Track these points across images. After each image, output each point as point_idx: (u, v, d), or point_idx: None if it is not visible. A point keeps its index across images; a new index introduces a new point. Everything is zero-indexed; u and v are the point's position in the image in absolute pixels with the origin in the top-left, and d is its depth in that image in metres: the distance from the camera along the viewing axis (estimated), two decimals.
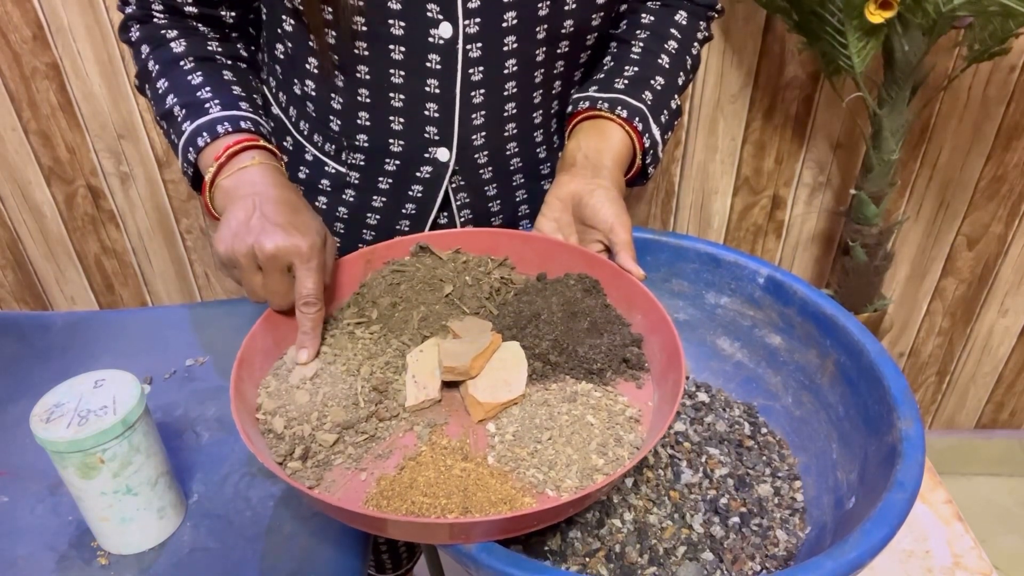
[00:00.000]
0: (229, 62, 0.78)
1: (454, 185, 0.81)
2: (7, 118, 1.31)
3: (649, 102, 0.78)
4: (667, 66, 0.81)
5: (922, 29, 1.05)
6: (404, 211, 0.82)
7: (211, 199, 0.71)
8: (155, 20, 0.76)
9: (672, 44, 0.82)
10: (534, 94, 0.79)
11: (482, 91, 0.75)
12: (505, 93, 0.76)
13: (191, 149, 0.72)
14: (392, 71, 0.73)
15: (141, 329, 0.83)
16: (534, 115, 0.81)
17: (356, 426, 0.60)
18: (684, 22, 0.83)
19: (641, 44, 0.81)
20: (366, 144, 0.79)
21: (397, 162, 0.79)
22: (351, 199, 0.83)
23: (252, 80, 0.81)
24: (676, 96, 0.81)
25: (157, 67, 0.75)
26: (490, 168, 0.81)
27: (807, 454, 0.69)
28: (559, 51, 0.76)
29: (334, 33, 0.71)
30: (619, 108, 0.76)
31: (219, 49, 0.78)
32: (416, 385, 0.62)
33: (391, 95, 0.75)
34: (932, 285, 1.59)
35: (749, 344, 0.75)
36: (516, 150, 0.82)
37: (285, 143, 0.85)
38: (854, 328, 0.65)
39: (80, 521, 0.63)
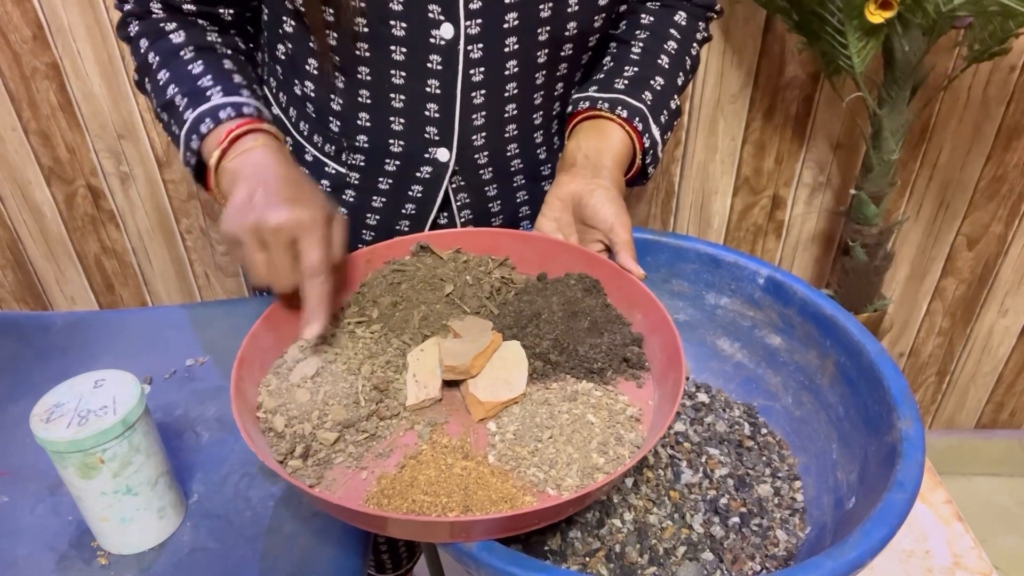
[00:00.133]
0: (229, 52, 0.78)
1: (454, 185, 0.81)
2: (7, 118, 1.31)
3: (649, 102, 0.78)
4: (667, 66, 0.81)
5: (922, 29, 1.05)
6: (404, 211, 0.82)
7: (217, 183, 0.70)
8: (154, 16, 0.76)
9: (671, 44, 0.82)
10: (535, 95, 0.79)
11: (483, 92, 0.75)
12: (506, 94, 0.76)
13: (194, 136, 0.71)
14: (393, 72, 0.73)
15: (141, 329, 0.83)
16: (534, 116, 0.81)
17: (357, 425, 0.60)
18: (683, 23, 0.83)
19: (641, 44, 0.81)
20: (366, 144, 0.79)
21: (397, 162, 0.79)
22: (351, 199, 0.83)
23: (251, 71, 0.80)
24: (676, 96, 0.82)
25: (157, 59, 0.75)
26: (490, 168, 0.81)
27: (807, 454, 0.69)
28: (561, 53, 0.76)
29: (335, 34, 0.71)
30: (619, 108, 0.76)
31: (219, 40, 0.78)
32: (417, 384, 0.62)
33: (391, 96, 0.75)
34: (932, 285, 1.59)
35: (749, 344, 0.75)
36: (516, 151, 0.82)
37: (285, 143, 0.85)
38: (854, 328, 0.65)
39: (80, 521, 0.63)
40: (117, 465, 0.56)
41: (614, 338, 0.65)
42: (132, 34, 0.77)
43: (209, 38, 0.77)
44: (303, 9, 0.70)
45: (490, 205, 0.84)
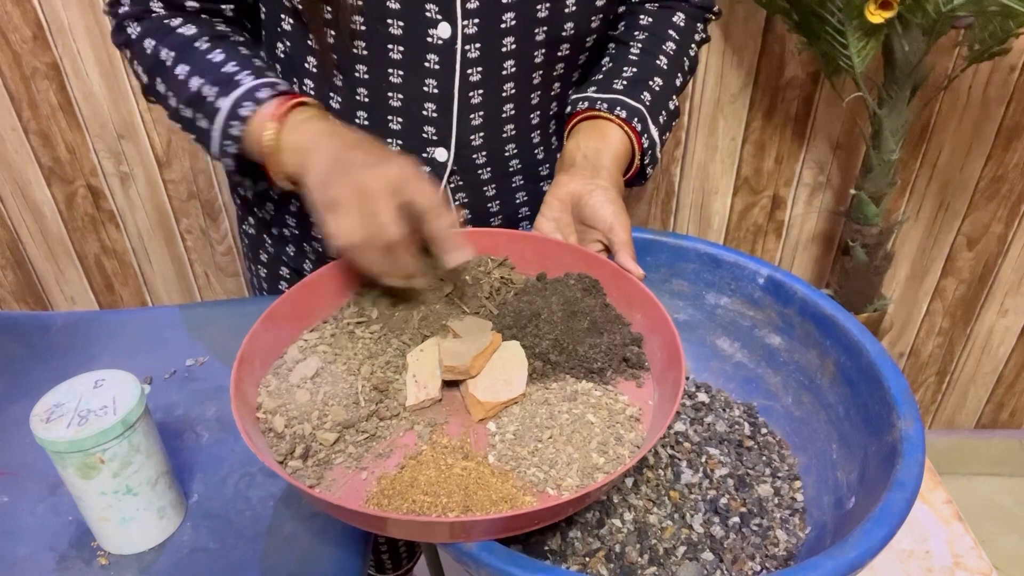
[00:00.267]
0: (241, 39, 0.76)
1: (452, 185, 0.81)
2: (7, 118, 1.31)
3: (648, 103, 0.78)
4: (665, 67, 0.81)
5: (922, 29, 1.05)
6: None
7: (278, 161, 0.67)
8: (155, 14, 0.74)
9: (670, 45, 0.82)
10: (532, 95, 0.79)
11: (480, 92, 0.75)
12: (503, 94, 0.76)
13: (234, 123, 0.68)
14: (391, 71, 0.73)
15: (141, 329, 0.83)
16: (532, 116, 0.81)
17: (357, 425, 0.60)
18: (682, 23, 0.83)
19: (639, 45, 0.81)
20: None
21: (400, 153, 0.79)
22: None
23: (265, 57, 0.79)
24: (674, 97, 0.82)
25: (173, 54, 0.72)
26: (488, 168, 0.81)
27: (807, 454, 0.69)
28: (558, 53, 0.76)
29: (333, 32, 0.71)
30: (618, 108, 0.76)
31: (227, 29, 0.76)
32: (417, 384, 0.62)
33: (389, 95, 0.75)
34: (932, 285, 1.59)
35: (749, 344, 0.75)
36: (514, 151, 0.82)
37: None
38: (854, 328, 0.65)
39: (80, 521, 0.63)
40: (117, 465, 0.56)
41: (614, 338, 0.65)
42: (134, 36, 0.74)
43: (219, 28, 0.75)
44: (301, 7, 0.70)
45: (489, 205, 0.84)
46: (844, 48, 1.06)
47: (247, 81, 0.69)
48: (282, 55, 0.78)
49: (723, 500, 0.65)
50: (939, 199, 1.47)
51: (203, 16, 0.76)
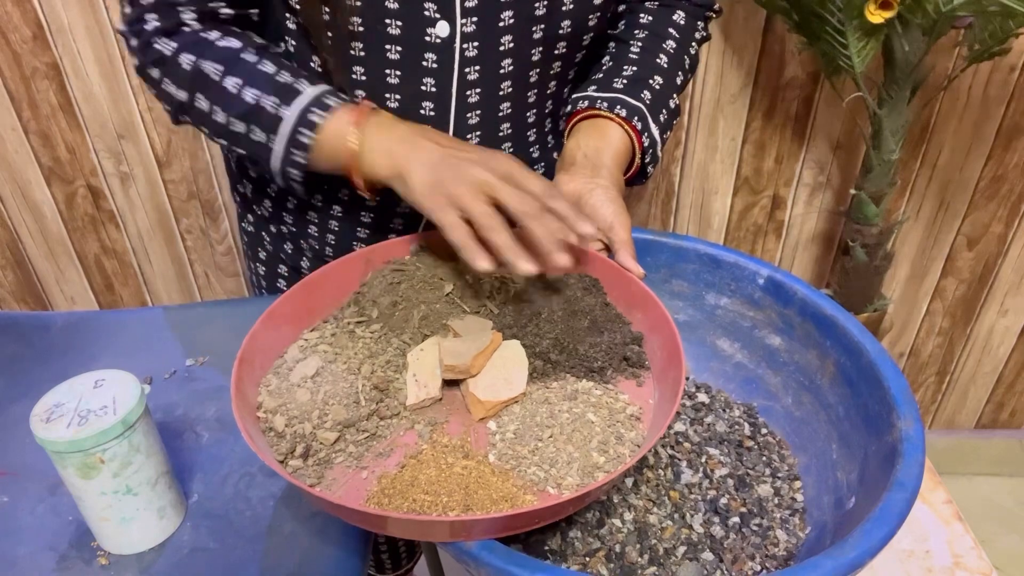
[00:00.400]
0: (280, 50, 0.75)
1: None
2: (7, 118, 1.31)
3: (648, 101, 0.78)
4: (665, 66, 0.81)
5: (922, 29, 1.05)
6: (399, 209, 0.82)
7: (364, 164, 0.67)
8: (187, 27, 0.70)
9: (670, 44, 0.82)
10: (529, 94, 0.79)
11: (478, 90, 0.75)
12: (500, 92, 0.76)
13: (304, 130, 0.67)
14: (388, 71, 0.73)
15: (141, 329, 0.83)
16: (528, 115, 0.81)
17: (357, 424, 0.60)
18: (682, 22, 0.83)
19: (639, 44, 0.81)
20: None
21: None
22: (345, 197, 0.83)
23: None
24: (675, 96, 0.82)
25: (220, 67, 0.69)
26: None
27: (807, 454, 0.69)
28: (555, 51, 0.76)
29: (330, 34, 0.71)
30: (618, 107, 0.76)
31: (264, 41, 0.74)
32: (417, 384, 0.62)
33: (387, 95, 0.75)
34: (932, 285, 1.59)
35: (749, 345, 0.75)
36: (511, 149, 0.82)
37: None
38: (854, 329, 0.65)
39: (80, 521, 0.63)
40: (117, 465, 0.56)
41: (614, 337, 0.65)
42: (168, 53, 0.69)
43: (257, 40, 0.73)
44: (299, 8, 0.70)
45: None
46: (844, 48, 1.06)
47: (308, 89, 0.68)
48: (285, 56, 0.78)
49: (723, 500, 0.65)
50: (939, 199, 1.47)
51: (235, 28, 0.74)
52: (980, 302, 1.61)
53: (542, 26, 0.73)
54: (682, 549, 0.61)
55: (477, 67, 0.73)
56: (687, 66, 0.83)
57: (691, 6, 0.84)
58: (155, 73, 0.71)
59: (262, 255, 0.94)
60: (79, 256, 1.50)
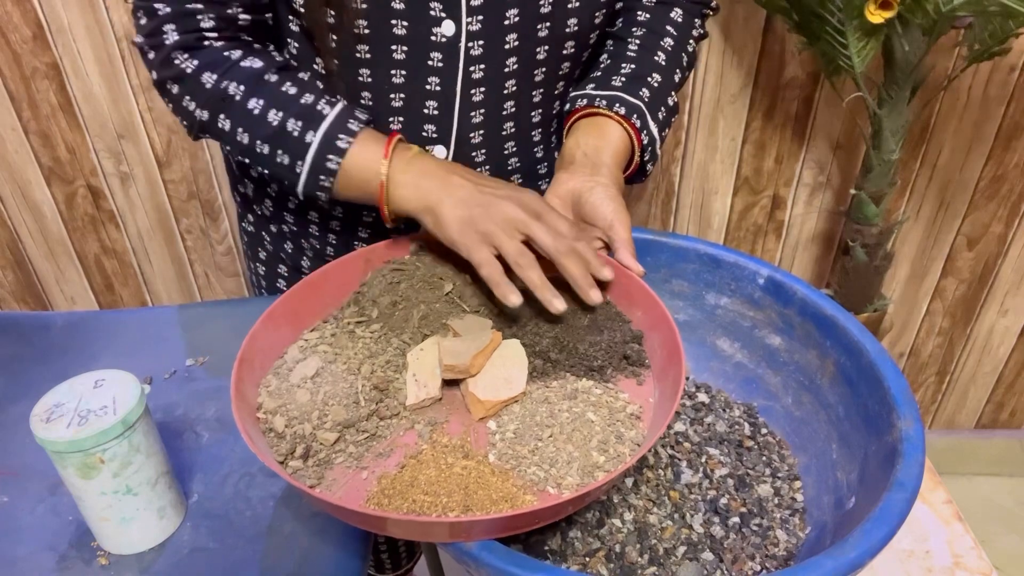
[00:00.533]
0: (298, 65, 0.75)
1: None
2: (7, 118, 1.31)
3: (646, 99, 0.78)
4: (664, 63, 0.81)
5: (922, 29, 1.05)
6: None
7: (392, 196, 0.68)
8: (206, 45, 0.69)
9: (668, 41, 0.82)
10: (534, 93, 0.79)
11: (482, 89, 0.75)
12: (505, 91, 0.76)
13: (331, 156, 0.68)
14: (393, 72, 0.73)
15: (141, 329, 0.83)
16: (533, 114, 0.81)
17: (357, 425, 0.60)
18: (680, 19, 0.83)
19: (638, 41, 0.81)
20: None
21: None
22: None
23: None
24: (673, 93, 0.82)
25: (243, 88, 0.69)
26: (487, 167, 0.81)
27: (807, 454, 0.69)
28: (561, 51, 0.76)
29: (335, 37, 0.71)
30: (617, 105, 0.76)
31: (284, 58, 0.74)
32: (417, 383, 0.62)
33: (391, 96, 0.75)
34: (932, 285, 1.59)
35: (749, 345, 0.75)
36: (514, 149, 0.82)
37: None
38: (854, 329, 0.65)
39: (80, 521, 0.63)
40: (117, 465, 0.56)
41: (614, 335, 0.65)
42: (189, 70, 0.68)
43: (278, 58, 0.73)
44: (304, 11, 0.70)
45: None
46: (844, 48, 1.06)
47: (330, 112, 0.68)
48: (289, 57, 0.78)
49: (723, 500, 0.65)
50: (939, 199, 1.47)
51: (255, 45, 0.73)
52: (980, 302, 1.61)
53: (548, 24, 0.73)
54: (682, 549, 0.61)
55: (482, 66, 0.73)
56: (685, 64, 0.83)
57: (689, 4, 0.84)
58: (175, 89, 0.70)
59: (262, 255, 0.94)
60: (79, 256, 1.50)
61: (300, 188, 0.70)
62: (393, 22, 0.69)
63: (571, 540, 0.61)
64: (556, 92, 0.81)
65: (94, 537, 0.61)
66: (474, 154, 0.79)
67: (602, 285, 0.67)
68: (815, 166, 1.44)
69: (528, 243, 0.64)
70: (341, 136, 0.68)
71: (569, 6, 0.72)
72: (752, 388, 0.75)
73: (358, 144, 0.68)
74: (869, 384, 0.62)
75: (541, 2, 0.71)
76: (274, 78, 0.70)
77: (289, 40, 0.76)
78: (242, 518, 0.64)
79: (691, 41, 0.84)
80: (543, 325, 0.66)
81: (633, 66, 0.79)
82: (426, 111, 0.75)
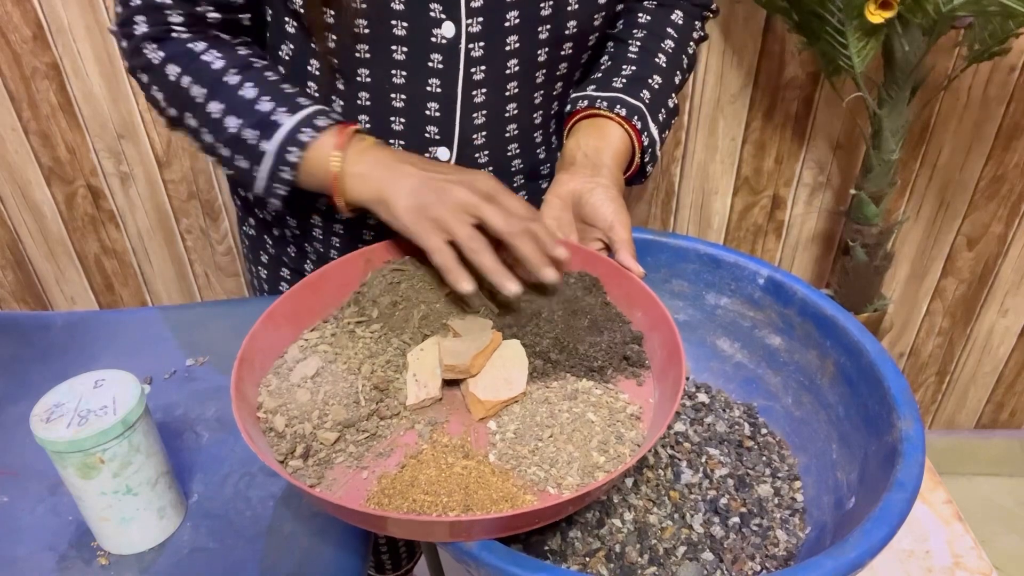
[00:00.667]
0: (264, 63, 0.75)
1: None
2: (7, 118, 1.31)
3: (647, 101, 0.78)
4: (664, 65, 0.81)
5: (922, 29, 1.05)
6: None
7: (345, 188, 0.69)
8: (174, 36, 0.71)
9: (669, 43, 0.82)
10: (535, 94, 0.79)
11: (484, 91, 0.75)
12: (507, 93, 0.76)
13: (284, 167, 0.69)
14: (394, 72, 0.73)
15: (141, 329, 0.83)
16: (535, 115, 0.81)
17: (357, 424, 0.60)
18: (680, 22, 0.83)
19: (638, 43, 0.81)
20: None
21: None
22: None
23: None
24: (673, 95, 0.82)
25: (204, 90, 0.70)
26: (490, 168, 0.81)
27: (807, 454, 0.69)
28: (560, 52, 0.76)
29: (334, 37, 0.71)
30: (618, 106, 0.76)
31: (249, 52, 0.75)
32: (417, 383, 0.62)
33: (392, 96, 0.75)
34: (932, 285, 1.59)
35: (749, 345, 0.75)
36: (517, 150, 0.82)
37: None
38: (854, 329, 0.65)
39: (80, 521, 0.63)
40: (117, 465, 0.56)
41: (614, 336, 0.65)
42: (156, 61, 0.70)
43: (241, 52, 0.73)
44: (302, 11, 0.70)
45: None
46: (844, 48, 1.06)
47: (286, 121, 0.69)
48: (286, 58, 0.78)
49: (723, 500, 0.65)
50: (939, 199, 1.47)
51: (223, 36, 0.74)
52: (980, 302, 1.61)
53: (548, 26, 0.73)
54: (682, 549, 0.61)
55: (483, 68, 0.73)
56: (685, 66, 0.83)
57: (689, 6, 0.84)
58: (144, 78, 0.73)
59: (264, 258, 0.94)
60: (79, 256, 1.50)
61: (258, 188, 0.72)
62: (393, 23, 0.69)
63: (571, 540, 0.61)
64: (556, 93, 0.81)
65: (94, 537, 0.61)
66: (477, 155, 0.79)
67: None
68: (815, 166, 1.44)
69: (483, 226, 0.64)
70: (291, 149, 0.69)
71: (569, 9, 0.72)
72: (752, 388, 0.75)
73: (320, 138, 0.69)
74: (869, 384, 0.62)
75: (541, 4, 0.71)
76: (234, 79, 0.70)
77: (287, 42, 0.76)
78: (242, 518, 0.64)
79: (691, 43, 0.84)
80: (544, 325, 0.66)
81: (634, 68, 0.79)
82: (428, 112, 0.75)
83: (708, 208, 1.49)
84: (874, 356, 0.63)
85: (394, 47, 0.71)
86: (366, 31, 0.70)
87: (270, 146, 0.69)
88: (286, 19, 0.74)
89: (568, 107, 0.81)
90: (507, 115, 0.78)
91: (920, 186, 1.46)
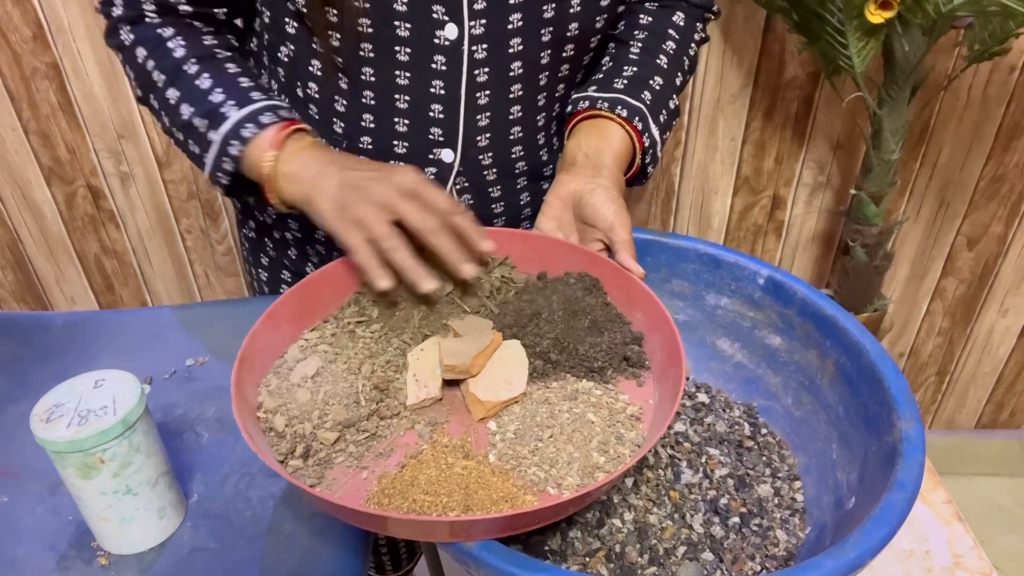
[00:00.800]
0: (228, 54, 0.77)
1: (458, 186, 0.81)
2: (7, 118, 1.31)
3: (648, 102, 0.78)
4: (665, 66, 0.81)
5: (922, 29, 1.05)
6: None
7: (275, 187, 0.69)
8: (147, 20, 0.74)
9: (670, 45, 0.82)
10: (538, 96, 0.79)
11: (487, 92, 0.75)
12: (511, 95, 0.76)
13: (226, 159, 0.71)
14: (398, 72, 0.73)
15: (141, 329, 0.83)
16: (538, 117, 0.81)
17: (357, 424, 0.60)
18: (682, 23, 0.83)
19: (639, 45, 0.81)
20: (370, 146, 0.78)
21: (401, 164, 0.79)
22: None
23: (252, 67, 0.80)
24: (674, 96, 0.82)
25: (164, 77, 0.73)
26: (494, 169, 0.81)
27: (807, 454, 0.69)
28: (563, 54, 0.76)
29: (338, 35, 0.71)
30: (619, 108, 0.76)
31: (215, 42, 0.76)
32: (417, 383, 0.62)
33: (396, 97, 0.75)
34: (932, 285, 1.59)
35: (749, 345, 0.75)
36: (521, 152, 0.82)
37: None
38: (854, 329, 0.65)
39: (80, 521, 0.63)
40: (117, 465, 0.56)
41: (614, 337, 0.65)
42: (127, 43, 0.74)
43: (206, 42, 0.75)
44: (305, 11, 0.70)
45: (493, 206, 0.84)
46: (844, 48, 1.06)
47: (232, 114, 0.70)
48: (286, 59, 0.78)
49: (723, 500, 0.65)
50: (939, 199, 1.47)
51: (195, 24, 0.76)
52: (980, 302, 1.61)
53: (551, 28, 0.73)
54: (682, 549, 0.61)
55: (486, 70, 0.73)
56: (686, 67, 0.84)
57: (690, 7, 0.84)
58: (119, 57, 0.77)
59: (264, 261, 0.94)
60: (79, 256, 1.50)
61: (207, 175, 0.74)
62: (396, 23, 0.69)
63: (571, 540, 0.61)
64: (559, 95, 0.81)
65: (94, 537, 0.61)
66: (481, 157, 0.79)
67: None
68: (815, 166, 1.44)
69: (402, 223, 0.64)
70: (233, 143, 0.70)
71: (571, 11, 0.72)
72: (752, 388, 0.75)
73: (252, 144, 0.70)
74: (869, 384, 0.62)
75: (544, 7, 0.71)
76: (192, 69, 0.73)
77: (287, 42, 0.76)
78: (242, 518, 0.64)
79: (693, 45, 0.84)
80: (544, 326, 0.66)
81: (635, 69, 0.79)
82: (431, 114, 0.75)
83: (708, 208, 1.49)
84: (874, 356, 0.63)
85: (398, 48, 0.71)
86: (370, 30, 0.70)
87: (216, 136, 0.71)
88: (287, 20, 0.74)
89: (569, 108, 0.81)
90: (511, 117, 0.78)
91: (920, 186, 1.46)
